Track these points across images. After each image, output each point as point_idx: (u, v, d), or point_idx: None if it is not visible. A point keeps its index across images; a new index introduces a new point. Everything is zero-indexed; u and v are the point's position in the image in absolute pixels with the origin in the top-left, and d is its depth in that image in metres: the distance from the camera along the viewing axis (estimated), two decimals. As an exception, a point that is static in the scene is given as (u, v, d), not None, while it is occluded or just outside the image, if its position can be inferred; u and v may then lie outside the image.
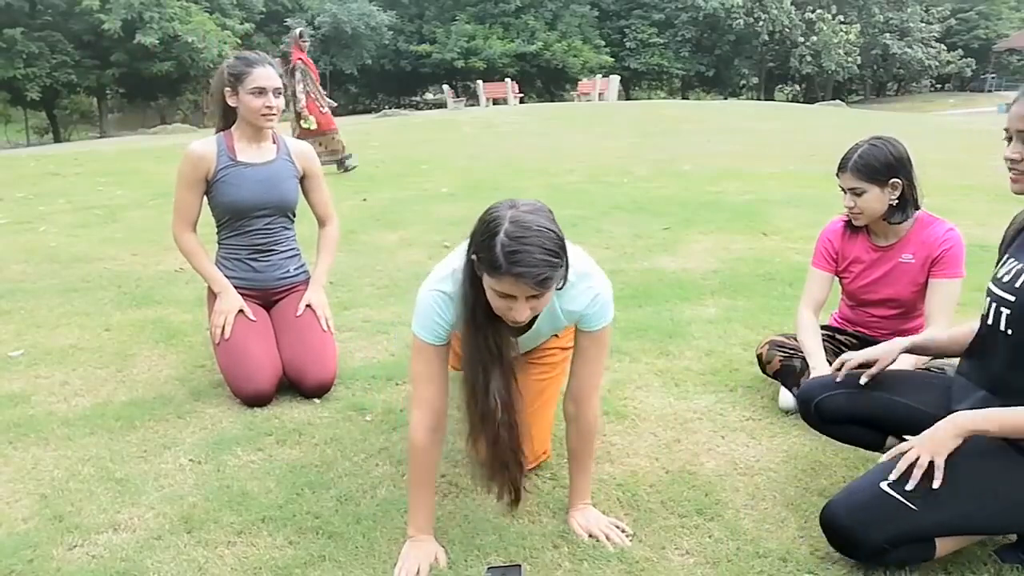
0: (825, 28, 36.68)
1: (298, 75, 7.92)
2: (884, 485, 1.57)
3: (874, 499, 1.58)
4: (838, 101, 26.03)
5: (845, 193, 2.32)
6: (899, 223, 2.32)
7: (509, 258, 1.47)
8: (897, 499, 1.55)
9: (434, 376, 1.76)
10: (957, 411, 1.66)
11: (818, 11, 37.30)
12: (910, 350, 1.89)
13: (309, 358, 2.61)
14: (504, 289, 1.52)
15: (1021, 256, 1.63)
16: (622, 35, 37.61)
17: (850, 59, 37.23)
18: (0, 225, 5.90)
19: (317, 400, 2.60)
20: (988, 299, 1.67)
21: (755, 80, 41.12)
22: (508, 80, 26.06)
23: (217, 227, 2.76)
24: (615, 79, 27.22)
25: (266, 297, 2.78)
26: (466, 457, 2.19)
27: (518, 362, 1.88)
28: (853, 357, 1.89)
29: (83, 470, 2.15)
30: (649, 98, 35.17)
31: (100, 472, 2.14)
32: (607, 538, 1.80)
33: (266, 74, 2.60)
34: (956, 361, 1.86)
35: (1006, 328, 1.59)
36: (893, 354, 1.86)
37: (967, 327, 1.89)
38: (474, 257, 1.56)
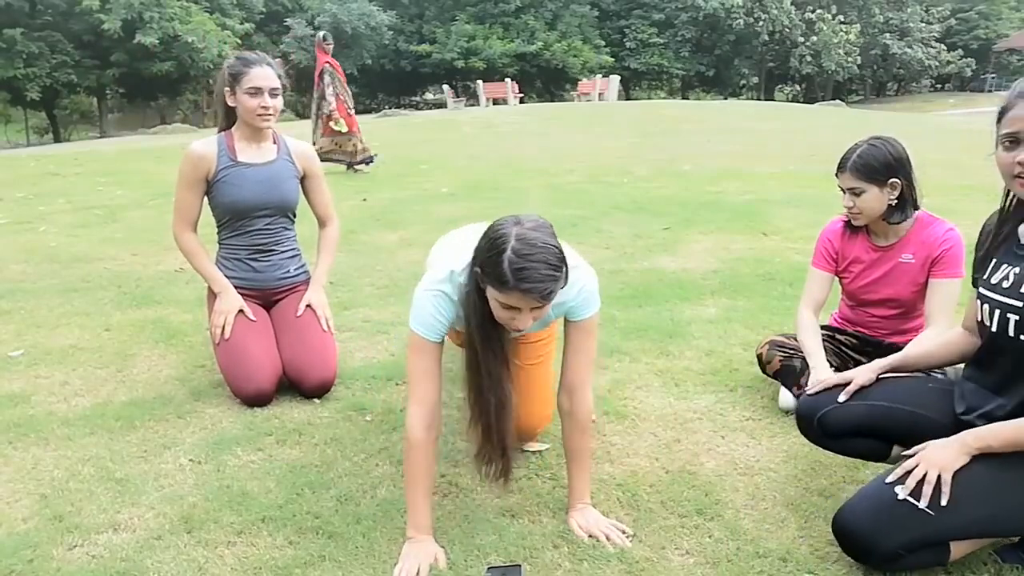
0: (825, 28, 36.68)
1: (327, 78, 8.14)
2: (900, 493, 1.56)
3: (889, 505, 1.57)
4: (838, 101, 26.04)
5: (844, 193, 2.32)
6: (898, 223, 2.32)
7: (517, 275, 1.55)
8: (913, 504, 1.54)
9: (430, 373, 1.81)
10: (969, 418, 1.65)
11: (818, 11, 37.30)
12: (885, 371, 1.88)
13: (309, 358, 2.61)
14: (510, 302, 1.61)
15: (1014, 260, 1.61)
16: (622, 35, 37.60)
17: (850, 59, 37.23)
18: (0, 225, 5.90)
19: (317, 400, 2.60)
20: (986, 305, 1.64)
21: (755, 80, 41.12)
22: (508, 80, 26.07)
23: (217, 227, 2.76)
24: (615, 79, 27.23)
25: (266, 297, 2.78)
26: (466, 456, 2.19)
27: (512, 345, 1.95)
28: (828, 379, 1.91)
29: (83, 470, 2.15)
30: (649, 98, 35.17)
31: (100, 472, 2.14)
32: (607, 538, 1.80)
33: (263, 74, 2.59)
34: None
35: (1017, 334, 1.57)
36: (867, 374, 1.86)
37: (941, 339, 1.91)
38: (479, 270, 1.64)
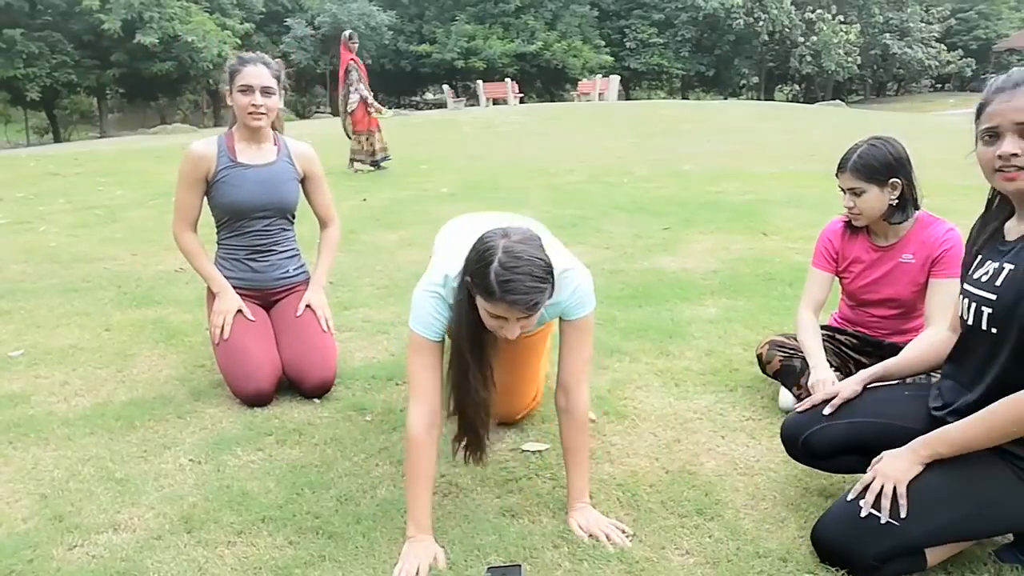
0: (825, 28, 36.67)
1: (354, 76, 8.39)
2: (863, 510, 1.59)
3: (857, 520, 1.59)
4: (838, 101, 26.04)
5: (845, 193, 2.32)
6: (899, 223, 2.31)
7: (503, 286, 1.61)
8: (879, 517, 1.57)
9: (430, 372, 1.85)
10: (941, 414, 1.67)
11: (818, 11, 37.28)
12: (873, 380, 1.89)
13: (310, 358, 2.61)
14: (497, 312, 1.66)
15: (996, 256, 1.62)
16: (622, 35, 37.59)
17: (850, 59, 37.22)
18: (0, 225, 5.90)
19: (317, 400, 2.60)
20: (966, 300, 1.66)
21: (755, 80, 41.11)
22: (508, 80, 26.06)
23: (216, 227, 2.76)
24: (615, 79, 27.22)
25: (265, 297, 2.78)
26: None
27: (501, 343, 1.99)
28: (816, 396, 1.93)
29: (83, 470, 2.15)
30: (649, 98, 35.16)
31: (100, 472, 2.14)
32: (607, 538, 1.80)
33: (255, 72, 2.58)
34: None
35: (989, 327, 1.59)
36: (852, 386, 1.88)
37: (922, 346, 1.94)
38: (468, 279, 1.69)
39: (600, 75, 28.54)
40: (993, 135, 1.52)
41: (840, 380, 2.17)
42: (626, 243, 4.96)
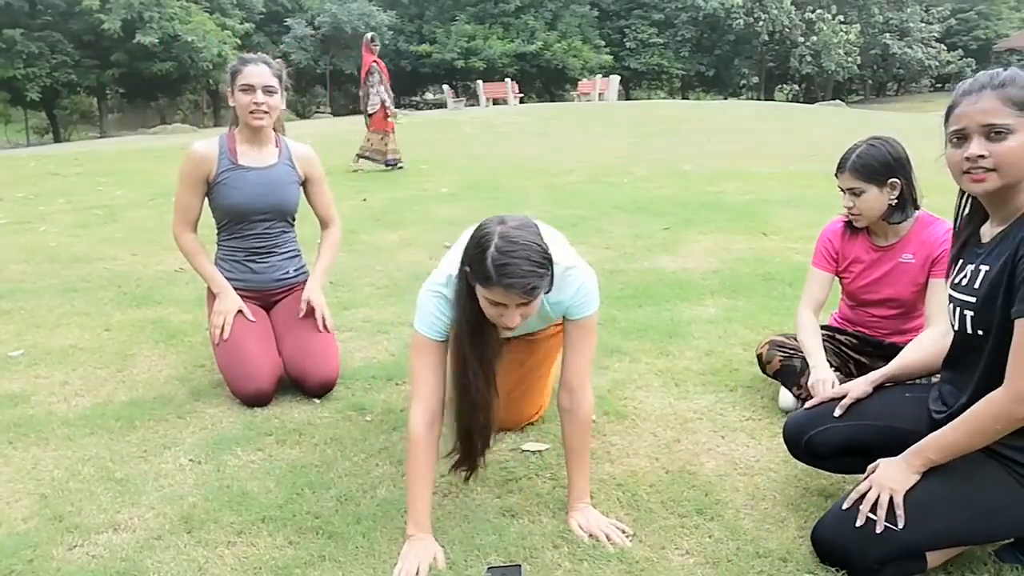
0: (825, 28, 36.67)
1: (375, 77, 8.55)
2: (858, 521, 1.59)
3: (854, 526, 1.60)
4: (838, 101, 26.04)
5: (844, 194, 2.32)
6: (898, 223, 2.31)
7: (500, 270, 1.61)
8: (887, 524, 1.57)
9: (433, 372, 1.87)
10: (940, 417, 1.67)
11: (818, 11, 37.28)
12: (880, 383, 1.89)
13: (311, 358, 2.61)
14: (495, 298, 1.66)
15: (974, 258, 1.63)
16: (622, 35, 37.59)
17: (850, 59, 37.22)
18: (0, 225, 5.90)
19: (317, 400, 2.60)
20: (951, 304, 1.66)
21: (755, 80, 41.10)
22: (508, 80, 26.07)
23: (217, 228, 2.76)
24: (615, 79, 27.22)
25: (265, 298, 2.78)
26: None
27: (507, 343, 2.06)
28: (825, 393, 1.94)
29: (83, 470, 2.15)
30: (649, 98, 35.16)
31: (100, 472, 2.14)
32: (607, 538, 1.80)
33: (256, 72, 2.58)
34: None
35: (975, 330, 1.59)
36: (862, 387, 1.88)
37: (926, 346, 1.93)
38: (467, 269, 1.70)
39: (600, 75, 28.54)
40: (961, 137, 1.53)
41: (840, 380, 2.18)
42: (626, 243, 4.96)
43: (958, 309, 1.63)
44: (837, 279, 2.51)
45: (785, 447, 1.94)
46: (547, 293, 1.75)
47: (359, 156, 8.81)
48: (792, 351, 2.44)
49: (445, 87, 27.07)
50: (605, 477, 2.09)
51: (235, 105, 2.62)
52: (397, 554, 1.73)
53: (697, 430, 2.38)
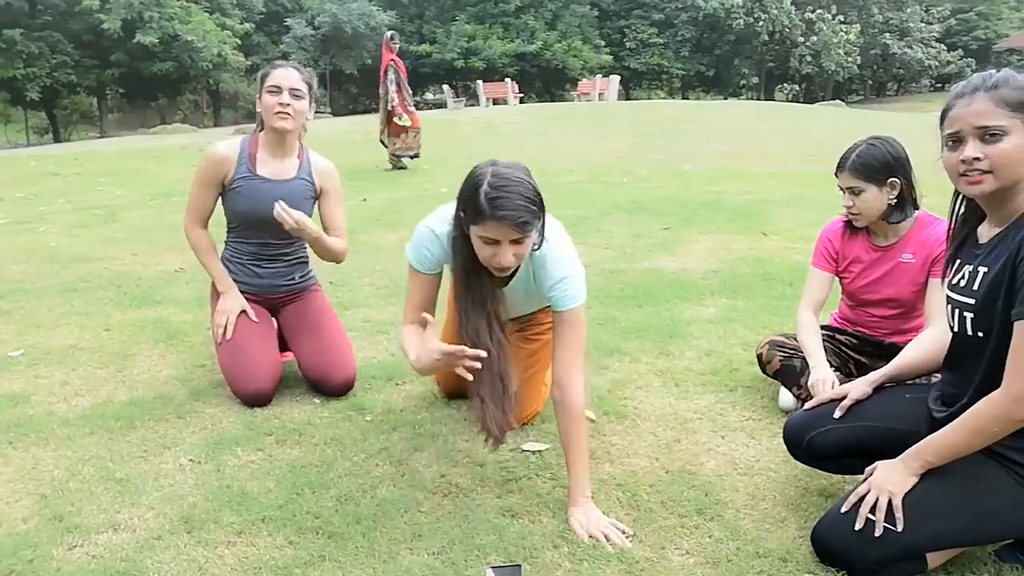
0: (825, 28, 36.67)
1: (391, 75, 8.60)
2: (857, 524, 1.59)
3: (854, 528, 1.60)
4: (838, 101, 26.05)
5: (844, 193, 2.32)
6: (898, 222, 2.32)
7: (492, 203, 1.70)
8: (885, 524, 1.57)
9: (420, 292, 2.05)
10: (940, 417, 1.67)
11: (818, 11, 37.29)
12: (880, 383, 1.90)
13: (331, 360, 2.62)
14: (488, 234, 1.74)
15: (972, 259, 1.62)
16: (622, 35, 37.60)
17: (850, 59, 37.23)
18: (0, 225, 5.90)
19: (317, 400, 2.60)
20: (950, 306, 1.66)
21: (755, 80, 41.11)
22: (508, 80, 26.08)
23: (227, 227, 2.74)
24: (615, 79, 27.23)
25: (269, 301, 2.77)
26: (466, 456, 2.19)
27: (509, 330, 2.16)
28: (825, 394, 1.95)
29: (83, 470, 2.15)
30: (649, 98, 35.17)
31: (100, 472, 2.14)
32: (607, 539, 1.80)
33: (285, 74, 2.56)
34: None
35: (975, 332, 1.59)
36: (862, 388, 1.88)
37: (926, 346, 1.93)
38: (462, 214, 1.80)
39: (600, 75, 28.54)
40: (956, 140, 1.53)
41: (840, 380, 2.18)
42: (626, 243, 4.96)
43: (957, 311, 1.63)
44: (837, 279, 2.51)
45: (785, 447, 1.95)
46: (537, 250, 1.89)
47: (396, 156, 8.82)
48: (792, 351, 2.44)
49: (445, 87, 27.08)
50: (605, 477, 2.09)
51: (261, 108, 2.58)
52: (397, 554, 1.73)
53: (697, 430, 2.38)
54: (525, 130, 14.05)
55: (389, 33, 9.03)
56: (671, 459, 2.19)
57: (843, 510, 1.63)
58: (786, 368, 2.44)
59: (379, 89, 8.82)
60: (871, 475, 1.65)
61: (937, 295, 2.27)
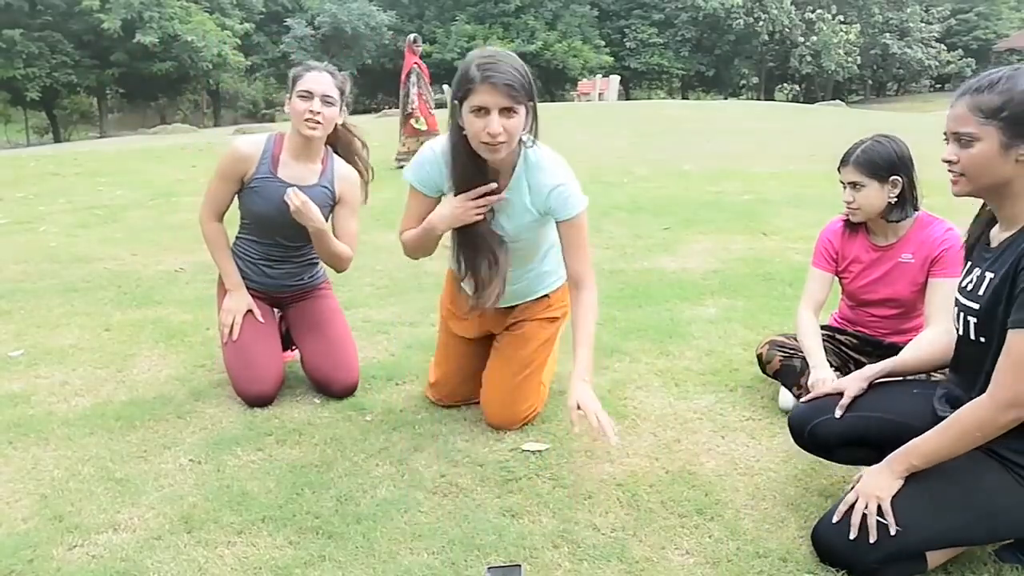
0: (825, 28, 36.69)
1: (413, 78, 8.62)
2: (851, 534, 1.60)
3: (851, 537, 1.60)
4: (838, 101, 26.05)
5: (845, 188, 2.32)
6: (897, 221, 2.31)
7: (482, 69, 1.84)
8: (879, 522, 1.57)
9: (419, 218, 2.15)
10: (942, 419, 1.67)
11: (818, 11, 37.31)
12: (877, 378, 1.90)
13: (333, 362, 2.61)
14: (479, 102, 1.86)
15: (981, 263, 1.62)
16: (622, 35, 37.62)
17: (850, 59, 37.24)
18: (0, 225, 5.90)
19: (317, 400, 2.60)
20: (956, 309, 1.66)
21: (755, 80, 41.12)
22: (508, 80, 25.99)
23: (240, 222, 2.70)
24: (615, 79, 27.23)
25: (277, 300, 2.76)
26: (466, 456, 2.19)
27: (509, 325, 2.36)
28: (823, 388, 1.96)
29: (83, 470, 2.15)
30: (649, 98, 35.16)
31: (100, 472, 2.14)
32: (598, 420, 1.93)
33: (318, 79, 2.45)
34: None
35: (977, 337, 1.59)
36: (858, 383, 1.88)
37: (923, 345, 1.95)
38: (456, 102, 1.92)
39: (600, 75, 28.54)
40: (945, 139, 1.57)
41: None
42: (626, 243, 4.96)
43: (962, 314, 1.63)
44: (837, 279, 2.51)
45: (785, 447, 1.95)
46: (531, 148, 2.04)
47: (403, 156, 8.73)
48: (792, 351, 2.44)
49: (445, 87, 27.03)
50: (605, 477, 2.09)
51: (289, 111, 2.49)
52: (397, 554, 1.73)
53: (697, 430, 2.38)
54: (525, 130, 14.01)
55: (412, 36, 9.02)
56: (671, 459, 2.19)
57: (834, 520, 1.64)
58: (786, 368, 2.44)
59: (400, 91, 8.86)
60: (857, 482, 1.66)
61: (936, 295, 2.28)
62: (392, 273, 4.29)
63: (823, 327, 2.50)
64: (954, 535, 1.60)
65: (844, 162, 2.30)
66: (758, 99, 36.42)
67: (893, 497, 1.59)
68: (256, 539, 1.82)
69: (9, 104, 28.65)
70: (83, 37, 26.72)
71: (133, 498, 2.01)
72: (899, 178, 2.25)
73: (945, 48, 39.91)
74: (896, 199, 2.27)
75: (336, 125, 2.55)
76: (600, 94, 24.98)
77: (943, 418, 1.68)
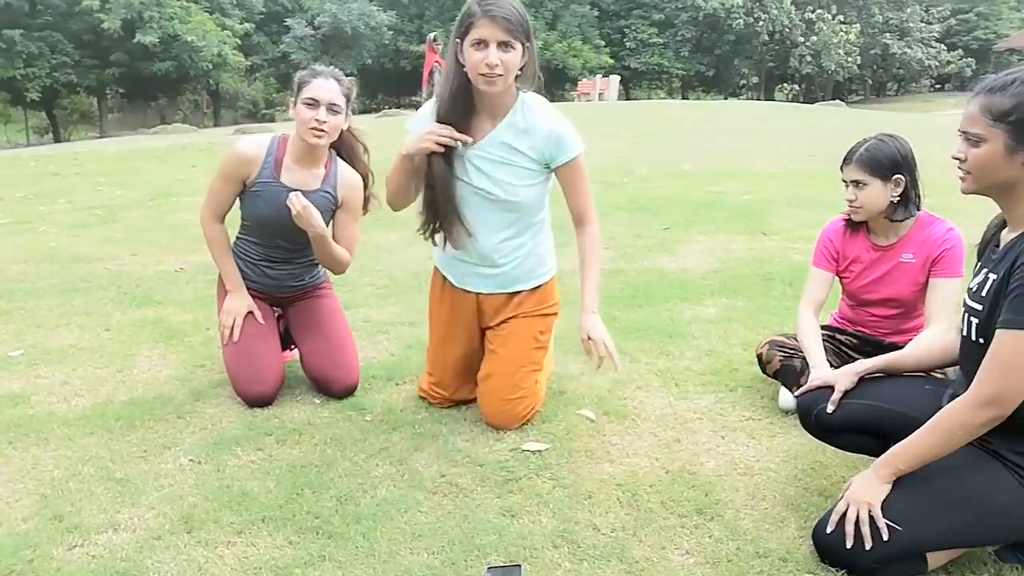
0: (825, 28, 36.70)
1: (436, 76, 8.85)
2: (848, 542, 1.60)
3: (847, 546, 1.60)
4: (838, 101, 26.04)
5: (847, 187, 2.32)
6: (899, 221, 2.31)
7: (482, 5, 1.99)
8: (883, 521, 1.57)
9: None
10: None
11: (818, 11, 37.31)
12: (869, 373, 1.91)
13: (333, 362, 2.61)
14: (478, 35, 1.99)
15: (989, 264, 1.62)
16: (622, 35, 37.62)
17: (850, 59, 37.25)
18: (0, 225, 5.90)
19: (317, 400, 2.60)
20: (962, 310, 1.67)
21: (755, 80, 41.12)
22: (508, 80, 26.00)
23: (241, 222, 2.69)
24: (615, 79, 27.24)
25: (278, 300, 2.76)
26: (466, 456, 2.19)
27: (501, 322, 2.39)
28: (812, 382, 1.97)
29: (83, 470, 2.15)
30: (649, 98, 35.16)
31: (100, 472, 2.14)
32: (606, 347, 2.14)
33: (324, 86, 2.40)
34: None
35: (977, 338, 1.59)
36: (849, 378, 1.89)
37: (922, 345, 1.96)
38: (458, 40, 2.05)
39: (600, 75, 28.54)
40: (959, 135, 1.58)
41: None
42: (626, 243, 4.96)
43: (967, 315, 1.63)
44: (837, 279, 2.51)
45: (785, 447, 1.95)
46: (526, 92, 2.16)
47: None
48: (792, 351, 2.45)
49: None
50: (605, 477, 2.09)
51: (294, 116, 2.46)
52: (397, 554, 1.73)
53: (697, 430, 2.38)
54: (525, 130, 14.01)
55: (432, 35, 9.15)
56: (671, 459, 2.19)
57: (828, 531, 1.64)
58: (786, 368, 2.44)
59: (423, 89, 8.96)
60: (847, 490, 1.66)
61: (937, 295, 2.28)
62: (392, 273, 4.29)
63: (823, 327, 2.50)
64: (954, 535, 1.60)
65: (847, 161, 2.30)
66: (758, 99, 36.43)
67: (893, 497, 1.59)
68: (256, 539, 1.82)
69: (9, 104, 28.64)
70: (83, 37, 26.72)
71: (133, 498, 2.01)
72: (902, 177, 2.25)
73: (945, 48, 39.90)
74: (899, 198, 2.27)
75: (342, 129, 2.53)
76: (600, 94, 24.99)
77: None
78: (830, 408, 1.86)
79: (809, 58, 37.16)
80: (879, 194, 2.26)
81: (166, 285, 4.09)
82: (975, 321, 1.60)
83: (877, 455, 1.90)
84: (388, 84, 37.49)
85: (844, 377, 1.90)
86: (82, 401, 2.63)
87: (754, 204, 6.31)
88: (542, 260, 2.41)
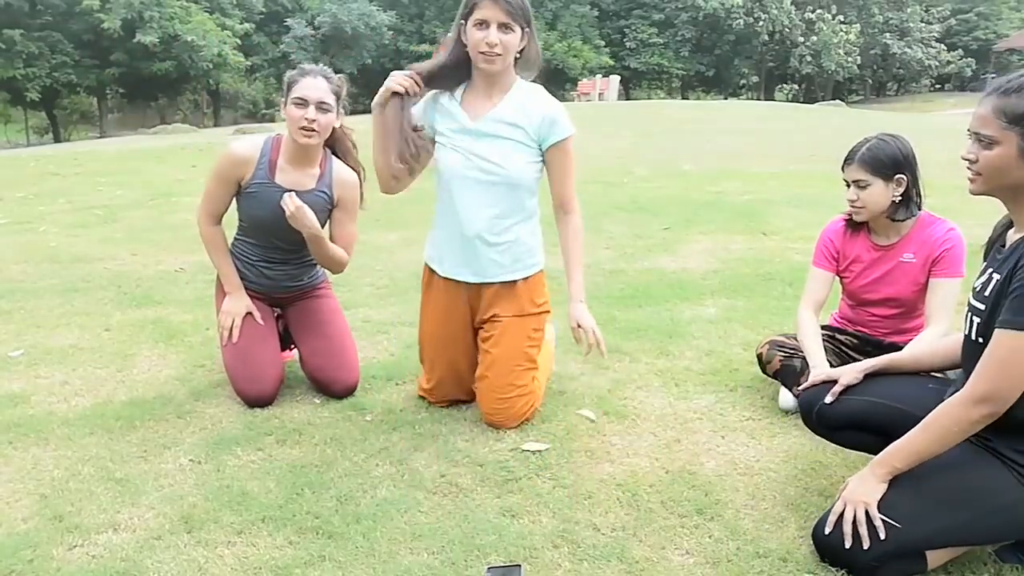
0: (825, 28, 36.71)
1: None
2: (846, 543, 1.60)
3: (846, 546, 1.60)
4: (838, 101, 26.08)
5: (849, 187, 2.32)
6: (901, 220, 2.31)
7: None
8: (880, 518, 1.58)
9: None
10: None
11: (818, 11, 37.33)
12: (872, 373, 1.90)
13: (333, 362, 2.62)
14: (480, 16, 2.11)
15: (993, 264, 1.62)
16: (622, 35, 37.64)
17: (850, 59, 37.27)
18: (0, 225, 5.91)
19: (317, 400, 2.60)
20: (965, 310, 1.67)
21: (755, 80, 41.14)
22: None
23: (238, 223, 2.69)
24: (615, 79, 27.28)
25: (277, 300, 2.75)
26: (466, 456, 2.19)
27: (489, 318, 2.40)
28: (816, 376, 1.97)
29: (83, 470, 2.15)
30: (649, 98, 35.16)
31: (100, 472, 2.14)
32: (594, 334, 2.24)
33: (313, 85, 2.40)
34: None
35: (977, 337, 1.59)
36: (853, 374, 1.89)
37: (923, 345, 1.96)
38: (462, 21, 2.17)
39: (600, 75, 28.56)
40: (969, 136, 1.57)
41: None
42: (626, 243, 4.96)
43: (969, 315, 1.64)
44: (837, 279, 2.51)
45: (785, 447, 1.95)
46: (525, 77, 2.28)
47: None
48: (792, 351, 2.45)
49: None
50: (605, 477, 2.09)
51: (285, 117, 2.46)
52: (397, 554, 1.73)
53: (697, 430, 2.38)
54: (525, 130, 14.02)
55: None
56: (671, 459, 2.19)
57: (827, 532, 1.64)
58: (786, 368, 2.44)
59: None
60: (843, 491, 1.66)
61: (937, 295, 2.28)
62: (392, 273, 4.29)
63: (823, 327, 2.50)
64: (953, 533, 1.60)
65: (849, 160, 2.30)
66: (758, 99, 36.46)
67: (893, 494, 1.59)
68: (256, 539, 1.82)
69: (9, 104, 28.65)
70: (83, 37, 26.72)
71: (133, 498, 2.01)
72: (904, 177, 2.25)
73: (945, 48, 39.93)
74: (900, 198, 2.27)
75: (333, 127, 2.53)
76: (600, 94, 25.02)
77: None
78: (828, 399, 1.86)
79: (809, 58, 37.18)
80: (881, 194, 2.27)
81: (166, 285, 4.09)
82: (977, 321, 1.60)
83: (878, 453, 1.91)
84: (388, 84, 37.46)
85: (848, 373, 1.90)
86: (82, 401, 2.63)
87: (754, 204, 6.31)
88: (531, 251, 2.40)
